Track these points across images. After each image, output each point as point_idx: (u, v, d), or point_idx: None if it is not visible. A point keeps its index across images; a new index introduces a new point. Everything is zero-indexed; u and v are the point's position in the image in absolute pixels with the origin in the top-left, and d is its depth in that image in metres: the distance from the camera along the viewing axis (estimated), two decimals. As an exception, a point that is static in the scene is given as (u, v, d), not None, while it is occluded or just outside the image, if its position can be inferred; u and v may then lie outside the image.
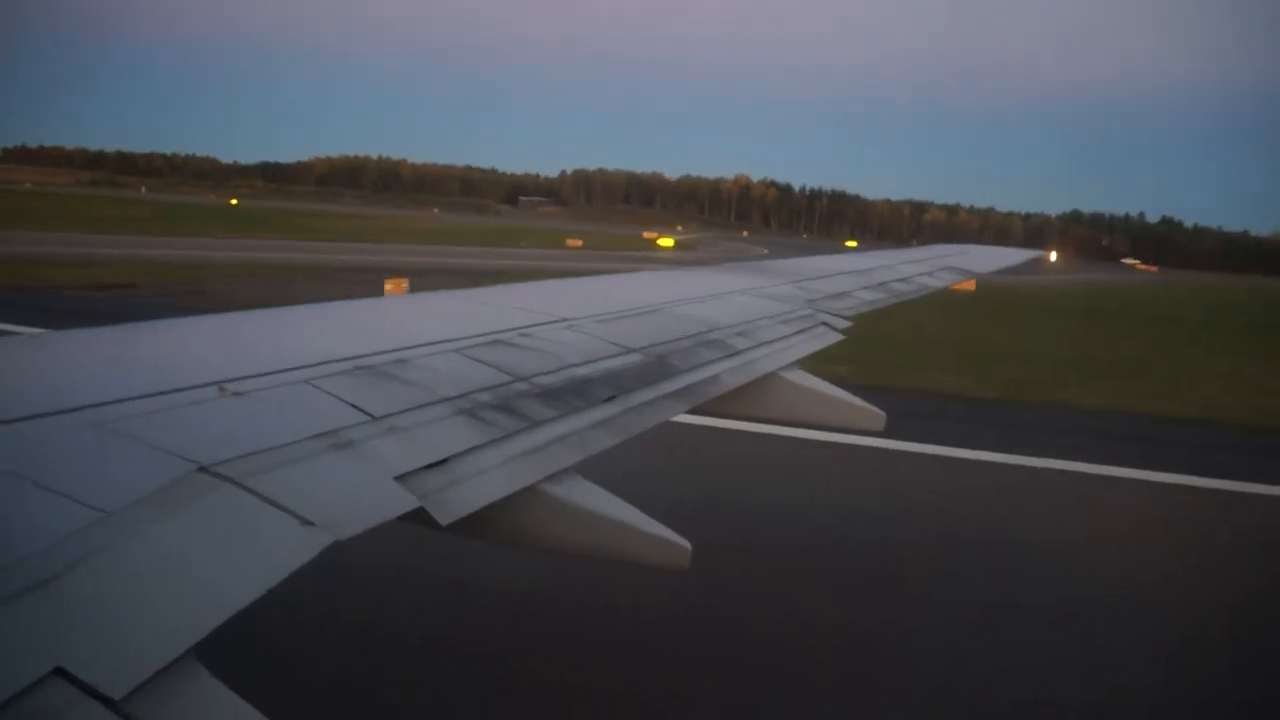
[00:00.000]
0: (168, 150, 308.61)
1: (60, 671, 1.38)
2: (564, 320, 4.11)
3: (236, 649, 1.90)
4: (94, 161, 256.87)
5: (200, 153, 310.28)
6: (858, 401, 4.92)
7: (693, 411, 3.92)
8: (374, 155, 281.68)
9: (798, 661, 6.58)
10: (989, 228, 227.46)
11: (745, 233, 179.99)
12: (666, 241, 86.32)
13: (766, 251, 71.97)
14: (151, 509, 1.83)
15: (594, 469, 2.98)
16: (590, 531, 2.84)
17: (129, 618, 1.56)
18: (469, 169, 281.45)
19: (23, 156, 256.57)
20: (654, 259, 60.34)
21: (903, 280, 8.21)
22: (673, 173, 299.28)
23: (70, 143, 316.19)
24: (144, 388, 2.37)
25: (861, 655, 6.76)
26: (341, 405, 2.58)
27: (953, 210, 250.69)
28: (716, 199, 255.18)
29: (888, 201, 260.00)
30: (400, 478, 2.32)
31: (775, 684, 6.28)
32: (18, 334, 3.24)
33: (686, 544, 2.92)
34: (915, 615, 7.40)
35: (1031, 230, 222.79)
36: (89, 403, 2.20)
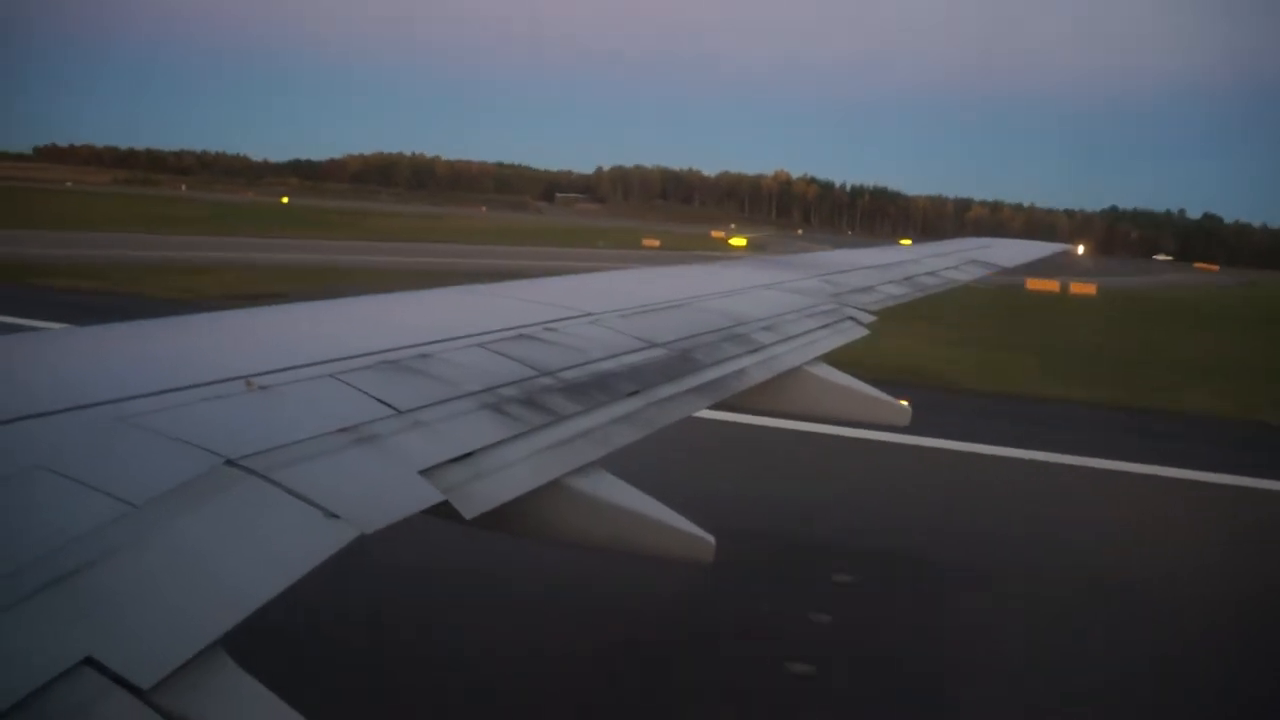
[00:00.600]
0: (196, 148, 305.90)
1: (90, 661, 1.39)
2: (588, 315, 4.10)
3: (263, 641, 1.91)
4: (125, 160, 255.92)
5: (228, 150, 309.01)
6: (884, 396, 4.87)
7: (717, 406, 3.91)
8: (406, 152, 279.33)
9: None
10: (1034, 224, 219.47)
11: (800, 231, 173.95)
12: (739, 241, 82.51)
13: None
14: (178, 502, 1.84)
15: (618, 463, 2.97)
16: (614, 525, 2.83)
17: (157, 609, 1.57)
18: (501, 166, 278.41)
19: (53, 155, 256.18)
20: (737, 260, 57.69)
21: (929, 274, 8.14)
22: (709, 169, 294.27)
23: (99, 141, 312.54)
24: (171, 382, 2.39)
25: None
26: (367, 399, 2.59)
27: (996, 207, 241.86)
28: (757, 195, 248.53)
29: (930, 198, 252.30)
30: (425, 471, 2.33)
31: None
32: (44, 329, 3.26)
33: (710, 538, 2.91)
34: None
35: (1076, 227, 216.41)
36: (116, 397, 2.22)
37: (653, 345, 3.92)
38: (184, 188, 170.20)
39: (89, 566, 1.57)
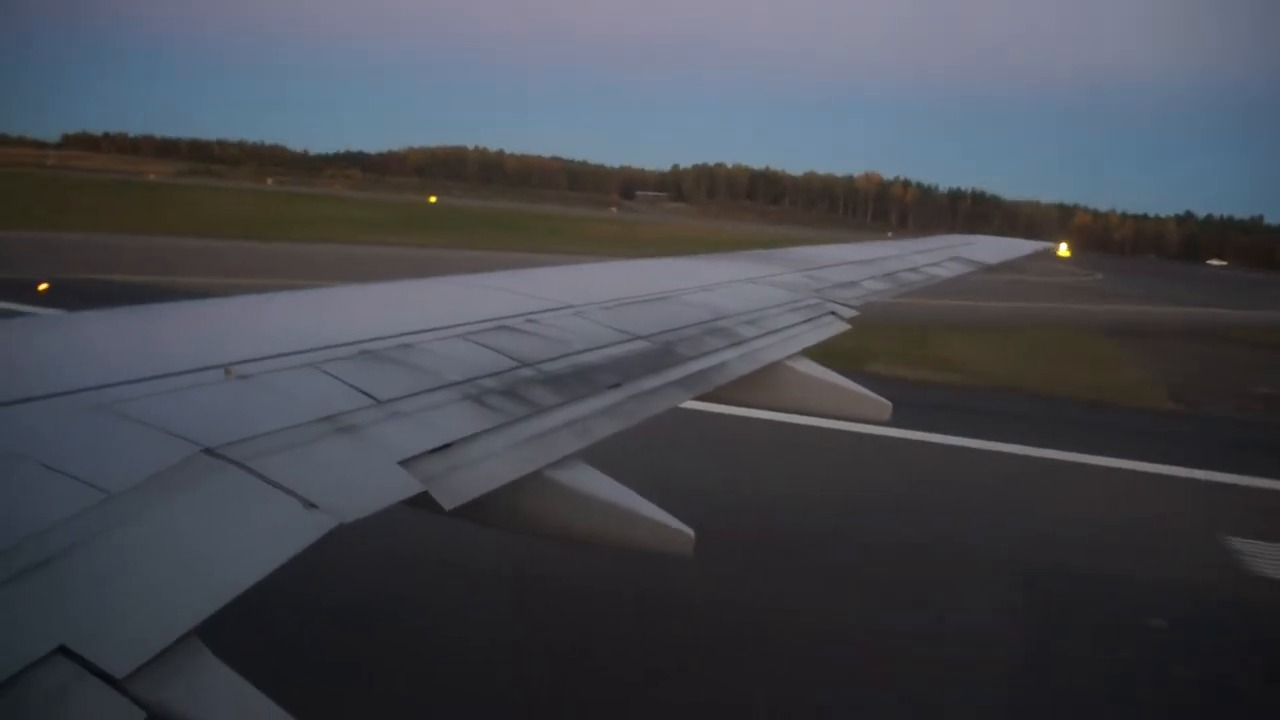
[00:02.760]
0: (231, 138, 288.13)
1: (64, 650, 1.39)
2: (570, 307, 4.10)
3: (239, 630, 1.90)
4: (166, 149, 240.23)
5: (263, 140, 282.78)
6: (865, 391, 4.90)
7: (701, 399, 3.92)
8: (465, 146, 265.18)
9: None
10: (1143, 234, 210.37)
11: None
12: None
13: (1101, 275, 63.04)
14: (156, 490, 1.84)
15: (598, 456, 2.98)
16: (594, 518, 2.84)
17: (133, 598, 1.57)
18: (565, 161, 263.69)
19: (85, 143, 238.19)
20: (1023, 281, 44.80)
21: (912, 270, 8.18)
22: (793, 168, 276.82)
23: (129, 130, 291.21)
24: (150, 370, 2.38)
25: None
26: (347, 389, 2.59)
27: (1101, 215, 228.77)
28: (853, 197, 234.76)
29: (1035, 204, 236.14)
30: (405, 462, 2.32)
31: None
32: (25, 314, 3.23)
33: (690, 531, 2.92)
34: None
35: (1185, 236, 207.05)
36: (95, 384, 2.21)
37: (635, 338, 3.93)
38: (270, 181, 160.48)
39: (64, 555, 1.57)
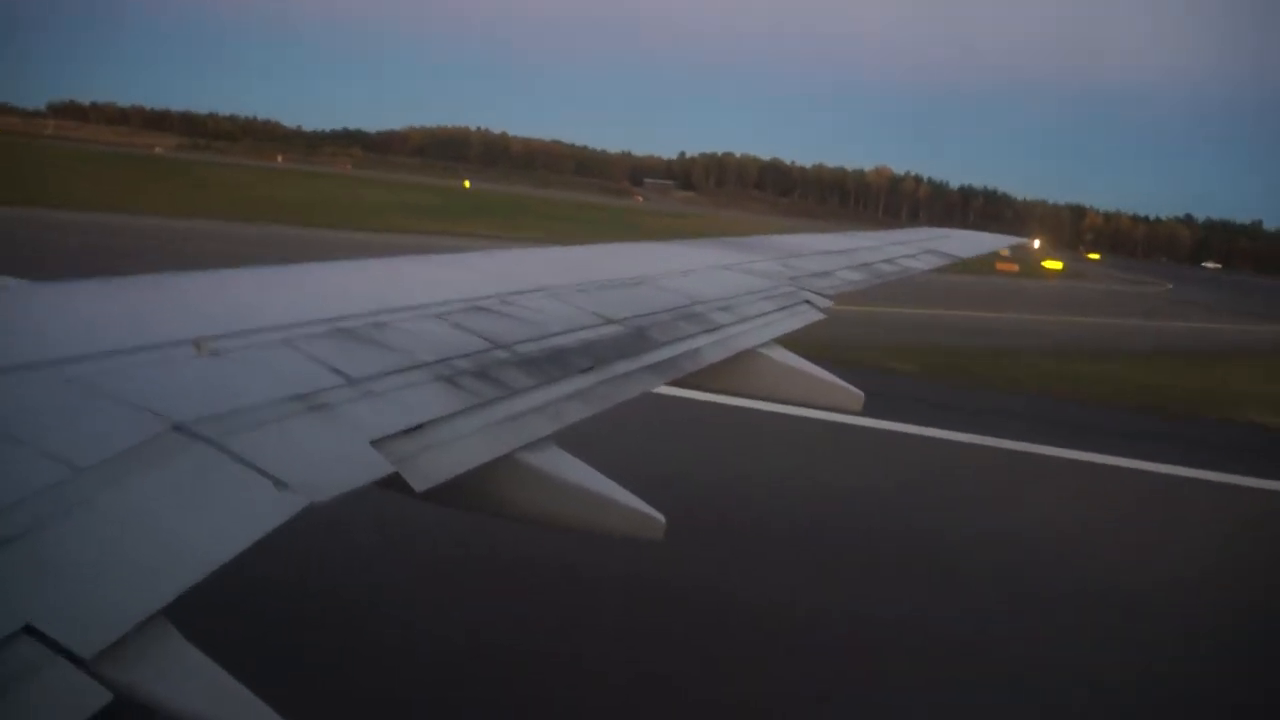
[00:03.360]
0: (220, 111, 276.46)
1: (30, 629, 1.37)
2: (546, 289, 4.08)
3: (208, 611, 1.89)
4: (157, 121, 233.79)
5: (253, 115, 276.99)
6: (838, 381, 4.93)
7: (674, 384, 3.93)
8: (466, 126, 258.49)
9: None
10: (1156, 237, 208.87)
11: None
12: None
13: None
14: (125, 466, 1.81)
15: (570, 439, 2.98)
16: (565, 502, 2.83)
17: (100, 577, 1.55)
18: (571, 147, 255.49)
19: (73, 113, 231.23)
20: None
21: (886, 261, 8.21)
22: (801, 159, 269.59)
23: (116, 99, 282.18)
24: (119, 343, 2.34)
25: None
26: (320, 367, 2.56)
27: (1112, 217, 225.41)
28: (865, 191, 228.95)
29: (1044, 204, 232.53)
30: (376, 442, 2.31)
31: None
32: None
33: (661, 517, 2.93)
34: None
35: (1197, 241, 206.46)
36: (60, 358, 2.17)
37: (609, 321, 3.92)
38: (280, 159, 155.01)
39: (29, 532, 1.54)
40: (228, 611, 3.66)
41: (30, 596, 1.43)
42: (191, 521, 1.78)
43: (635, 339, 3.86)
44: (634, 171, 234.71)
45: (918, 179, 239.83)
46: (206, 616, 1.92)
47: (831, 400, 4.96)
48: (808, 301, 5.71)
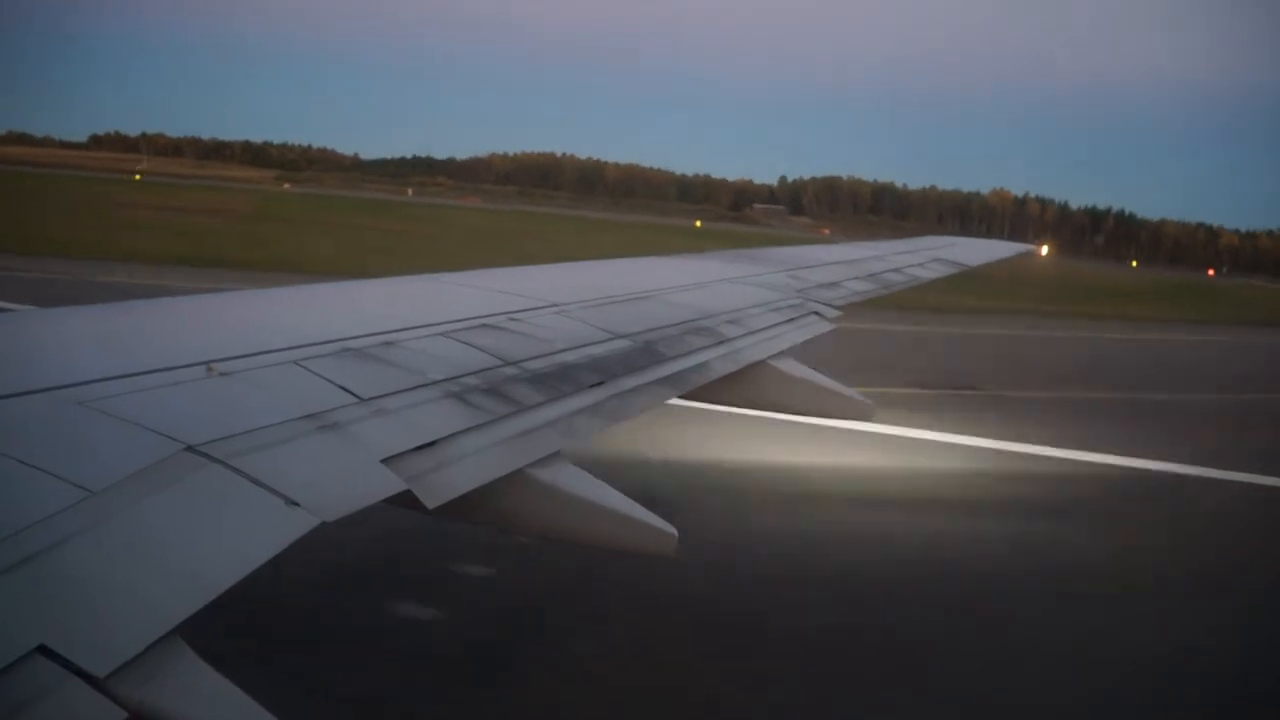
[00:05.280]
0: (273, 140, 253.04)
1: (44, 649, 1.38)
2: (554, 305, 4.10)
3: (222, 629, 1.90)
4: (215, 151, 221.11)
5: (307, 143, 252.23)
6: (847, 390, 4.92)
7: (684, 397, 3.93)
8: (556, 152, 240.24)
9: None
10: None
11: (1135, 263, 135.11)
12: None
13: None
14: (138, 488, 1.82)
15: (581, 454, 2.98)
16: (576, 517, 2.83)
17: (114, 596, 1.56)
18: (665, 172, 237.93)
19: (118, 144, 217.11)
20: None
21: (894, 271, 8.20)
22: (910, 182, 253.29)
23: (165, 130, 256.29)
24: (131, 367, 2.36)
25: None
26: (329, 387, 2.57)
27: (1250, 236, 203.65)
28: (988, 215, 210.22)
29: (1175, 224, 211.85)
30: (387, 460, 2.32)
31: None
32: (5, 310, 3.20)
33: (672, 530, 2.92)
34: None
35: None
36: (76, 381, 2.19)
37: (617, 336, 3.93)
38: (410, 192, 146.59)
39: (45, 553, 1.56)
40: (242, 627, 3.68)
41: (44, 617, 1.44)
42: (204, 541, 1.79)
43: (644, 353, 3.86)
44: (738, 197, 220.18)
45: (1041, 201, 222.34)
46: (220, 633, 1.92)
47: (842, 410, 4.95)
48: (816, 313, 5.70)
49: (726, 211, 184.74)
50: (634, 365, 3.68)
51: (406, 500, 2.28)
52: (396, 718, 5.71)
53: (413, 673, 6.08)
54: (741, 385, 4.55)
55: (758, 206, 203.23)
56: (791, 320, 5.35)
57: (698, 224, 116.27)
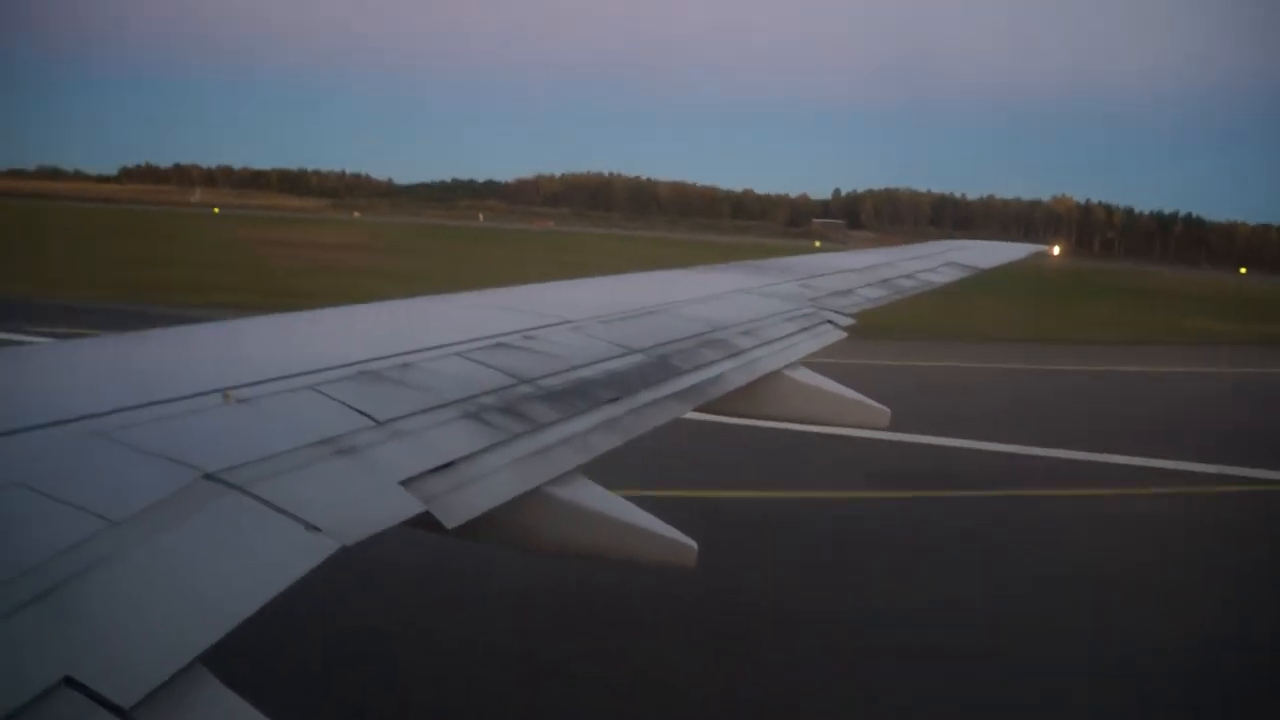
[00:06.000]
0: (307, 167, 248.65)
1: (69, 681, 1.38)
2: (567, 322, 4.10)
3: (246, 656, 1.90)
4: (253, 181, 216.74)
5: (341, 169, 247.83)
6: (863, 399, 4.91)
7: (700, 410, 3.93)
8: (603, 172, 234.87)
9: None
10: None
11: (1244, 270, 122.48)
12: None
13: None
14: (158, 517, 1.83)
15: (599, 470, 2.98)
16: (596, 532, 2.84)
17: (137, 626, 1.56)
18: (715, 189, 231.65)
19: (151, 177, 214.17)
20: None
21: (906, 276, 8.17)
22: (969, 192, 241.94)
23: (197, 161, 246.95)
24: (149, 396, 2.38)
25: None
26: (346, 410, 2.58)
27: None
28: (1054, 222, 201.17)
29: (1245, 226, 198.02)
30: (406, 482, 2.32)
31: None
32: (23, 343, 3.24)
33: (692, 543, 2.92)
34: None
35: None
36: (95, 412, 2.21)
37: (632, 351, 3.93)
38: (481, 217, 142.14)
39: (67, 584, 1.56)
40: (266, 654, 3.67)
41: (69, 647, 1.44)
42: (226, 568, 1.80)
43: (659, 367, 3.86)
44: (794, 212, 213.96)
45: (1106, 207, 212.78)
46: (244, 660, 1.92)
47: (858, 418, 4.94)
48: (829, 321, 5.69)
49: (785, 228, 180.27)
50: (649, 380, 3.68)
51: (426, 521, 2.28)
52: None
53: (441, 694, 6.07)
54: (756, 396, 4.54)
55: (817, 221, 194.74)
56: (805, 329, 5.34)
57: (817, 245, 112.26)
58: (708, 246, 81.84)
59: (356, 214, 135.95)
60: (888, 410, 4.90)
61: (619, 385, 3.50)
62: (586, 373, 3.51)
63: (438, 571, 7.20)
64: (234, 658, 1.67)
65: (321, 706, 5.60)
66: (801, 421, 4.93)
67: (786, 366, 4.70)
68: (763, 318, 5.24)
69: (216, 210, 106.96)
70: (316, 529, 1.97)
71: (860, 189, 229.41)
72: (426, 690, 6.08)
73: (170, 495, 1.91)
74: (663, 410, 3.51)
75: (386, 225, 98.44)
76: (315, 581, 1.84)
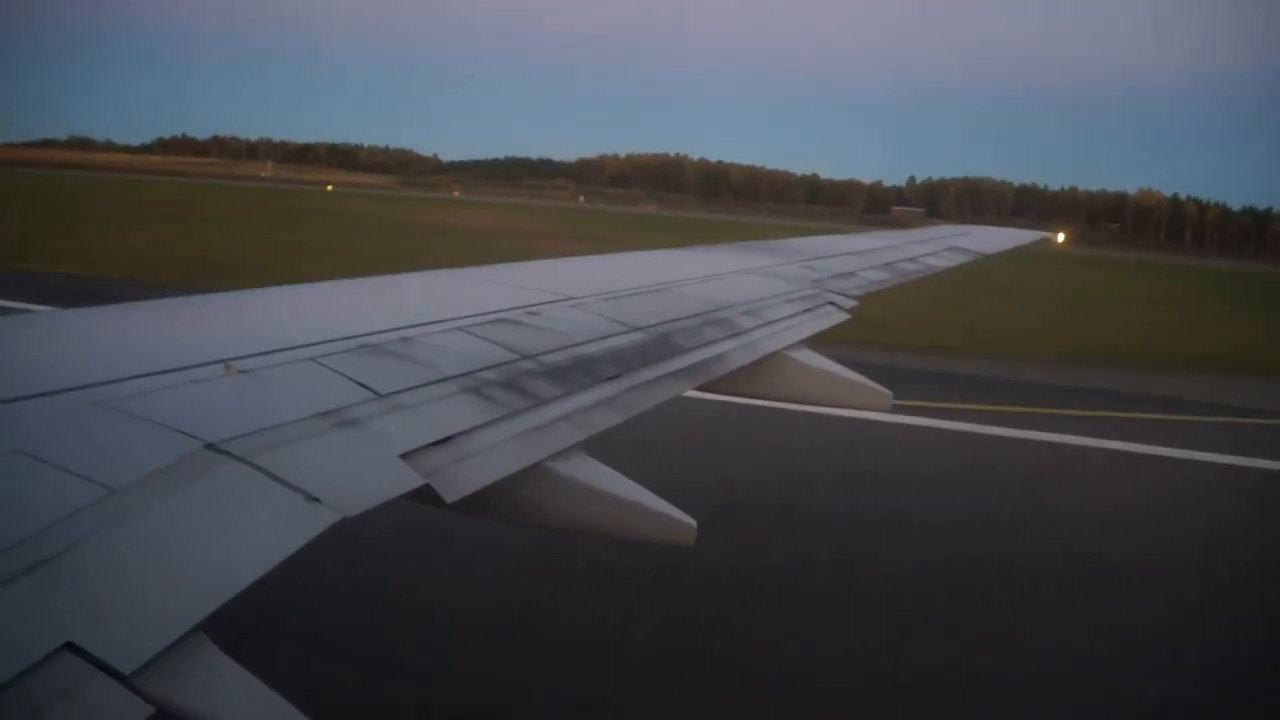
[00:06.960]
0: (347, 141, 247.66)
1: (70, 646, 1.39)
2: (570, 299, 4.10)
3: (245, 625, 1.90)
4: (299, 155, 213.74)
5: (372, 143, 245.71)
6: (865, 381, 4.91)
7: (701, 389, 3.93)
8: (670, 153, 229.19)
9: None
10: None
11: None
12: None
13: None
14: (158, 486, 1.83)
15: (599, 446, 2.98)
16: (595, 509, 2.84)
17: (138, 594, 1.57)
18: (788, 174, 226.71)
19: (189, 148, 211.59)
20: None
21: (909, 260, 8.17)
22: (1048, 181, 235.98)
23: (233, 132, 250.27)
24: (150, 366, 2.37)
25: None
26: (347, 383, 2.58)
27: None
28: (1143, 216, 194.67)
29: None
30: (406, 455, 2.32)
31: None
32: (22, 312, 3.23)
33: (691, 521, 2.93)
34: None
35: None
36: (94, 381, 2.20)
37: (634, 329, 3.92)
38: (582, 199, 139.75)
39: (68, 552, 1.57)
40: (265, 623, 3.70)
41: (70, 614, 1.45)
42: (226, 537, 1.80)
43: (660, 345, 3.86)
44: (871, 199, 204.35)
45: (1198, 202, 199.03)
46: (243, 629, 1.93)
47: (860, 400, 4.94)
48: (832, 303, 5.69)
49: (863, 214, 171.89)
50: (651, 357, 3.68)
51: (426, 495, 2.28)
52: (428, 712, 5.74)
53: (441, 665, 6.10)
54: (758, 376, 4.55)
55: (896, 209, 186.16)
56: (808, 310, 5.34)
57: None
58: (826, 234, 79.34)
59: (456, 193, 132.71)
60: (889, 392, 4.90)
61: (620, 362, 3.50)
62: (588, 349, 3.50)
63: (436, 544, 7.22)
64: (233, 626, 1.67)
65: (321, 677, 5.63)
66: (803, 402, 4.93)
67: (788, 347, 4.70)
68: (765, 298, 5.24)
69: (329, 188, 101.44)
70: (317, 500, 1.97)
71: (936, 177, 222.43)
72: (425, 661, 6.12)
73: (171, 464, 1.91)
74: (664, 388, 3.51)
75: (521, 206, 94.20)
76: (315, 552, 1.85)
